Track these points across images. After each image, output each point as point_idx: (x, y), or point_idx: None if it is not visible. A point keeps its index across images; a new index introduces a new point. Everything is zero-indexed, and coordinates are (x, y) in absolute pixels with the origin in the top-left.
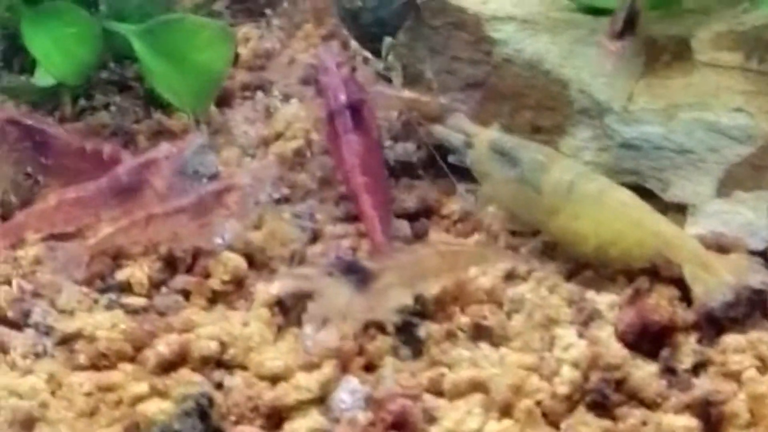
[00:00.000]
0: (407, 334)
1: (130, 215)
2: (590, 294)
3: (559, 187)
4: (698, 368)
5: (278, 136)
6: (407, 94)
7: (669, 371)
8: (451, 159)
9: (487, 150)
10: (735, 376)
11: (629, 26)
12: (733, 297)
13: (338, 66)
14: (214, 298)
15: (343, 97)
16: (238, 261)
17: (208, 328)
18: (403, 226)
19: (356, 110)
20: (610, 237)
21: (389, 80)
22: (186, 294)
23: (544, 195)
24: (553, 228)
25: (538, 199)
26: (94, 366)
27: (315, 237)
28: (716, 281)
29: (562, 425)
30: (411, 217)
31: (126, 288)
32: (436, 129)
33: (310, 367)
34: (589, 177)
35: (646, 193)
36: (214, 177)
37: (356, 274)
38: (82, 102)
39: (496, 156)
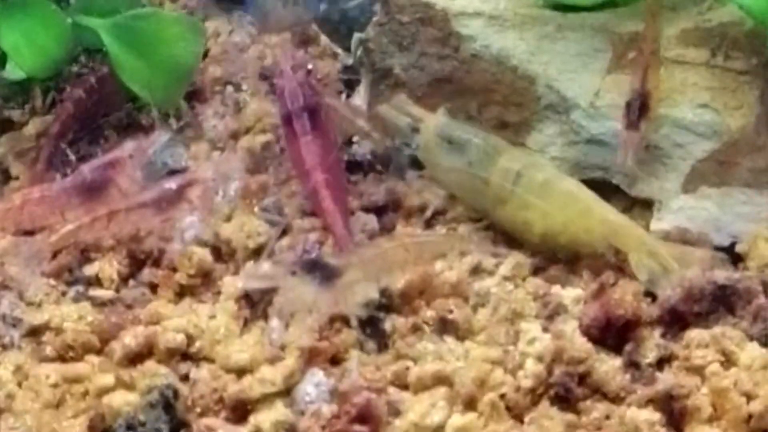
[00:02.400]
0: (372, 328)
1: (93, 211)
2: (555, 288)
3: (506, 177)
4: (662, 362)
5: (247, 130)
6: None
7: (633, 365)
8: (396, 142)
9: (434, 136)
10: (698, 371)
11: (644, 112)
12: (698, 292)
13: (295, 69)
14: (182, 292)
15: (300, 101)
16: (203, 254)
17: (175, 321)
18: (371, 220)
19: (313, 113)
20: (557, 225)
21: (358, 75)
22: (153, 287)
23: (492, 184)
24: (500, 217)
25: (485, 189)
26: (61, 358)
27: (283, 231)
28: (661, 269)
29: (526, 418)
30: (379, 210)
31: (94, 281)
32: (383, 109)
33: (276, 360)
34: (536, 167)
35: (612, 189)
36: (182, 171)
37: (320, 271)
38: (54, 95)
39: (443, 143)
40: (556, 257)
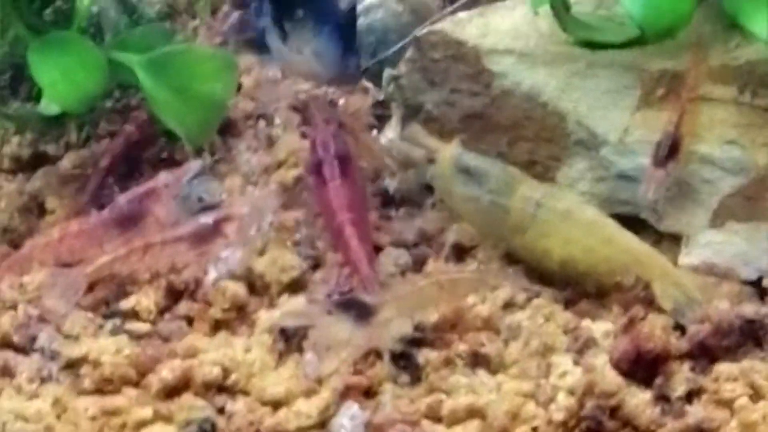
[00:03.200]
0: (406, 361)
1: (129, 243)
2: (586, 322)
3: (527, 205)
4: (691, 396)
5: (280, 164)
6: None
7: (663, 399)
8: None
9: (450, 167)
10: (727, 404)
11: (673, 153)
12: (726, 326)
13: (327, 122)
14: (217, 325)
15: (331, 150)
16: (236, 288)
17: (211, 354)
18: (403, 255)
19: (343, 160)
20: (577, 253)
21: (389, 110)
22: (189, 320)
23: (512, 212)
24: (519, 245)
25: (504, 217)
26: (99, 390)
27: (316, 264)
28: (686, 299)
29: None
30: (410, 246)
31: (131, 314)
32: (395, 142)
33: (311, 393)
34: (556, 196)
35: (640, 224)
36: (217, 205)
37: (356, 310)
38: (88, 129)
39: (460, 174)
40: (586, 291)
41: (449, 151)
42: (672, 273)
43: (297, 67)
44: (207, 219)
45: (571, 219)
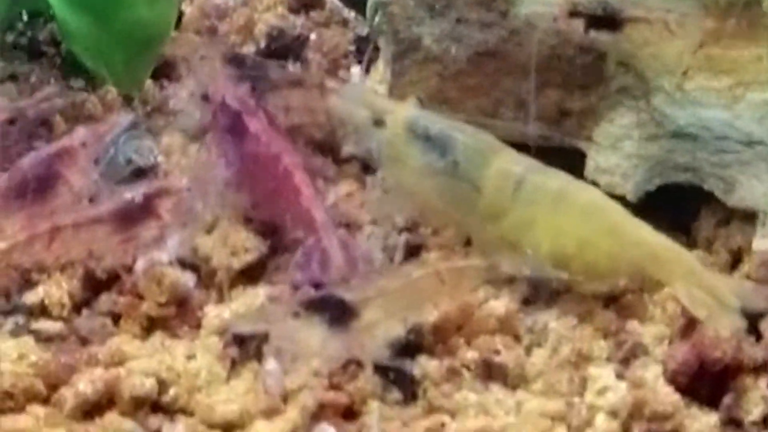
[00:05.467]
0: (398, 373)
1: (32, 226)
2: (632, 324)
3: (505, 184)
4: None
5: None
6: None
7: (733, 423)
8: (345, 149)
9: (403, 131)
10: None
11: None
12: None
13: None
14: (151, 324)
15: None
16: (176, 277)
17: (143, 362)
18: (393, 237)
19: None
20: (572, 247)
21: (376, 48)
22: (115, 318)
23: (485, 193)
24: (494, 235)
25: (474, 198)
26: None
27: (275, 247)
28: (720, 305)
29: None
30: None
31: (37, 310)
32: (333, 102)
33: (273, 412)
34: (544, 171)
35: (704, 196)
36: (152, 168)
37: (331, 311)
38: None
39: (416, 140)
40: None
41: (404, 112)
42: (699, 273)
43: None
44: (135, 194)
45: (564, 201)
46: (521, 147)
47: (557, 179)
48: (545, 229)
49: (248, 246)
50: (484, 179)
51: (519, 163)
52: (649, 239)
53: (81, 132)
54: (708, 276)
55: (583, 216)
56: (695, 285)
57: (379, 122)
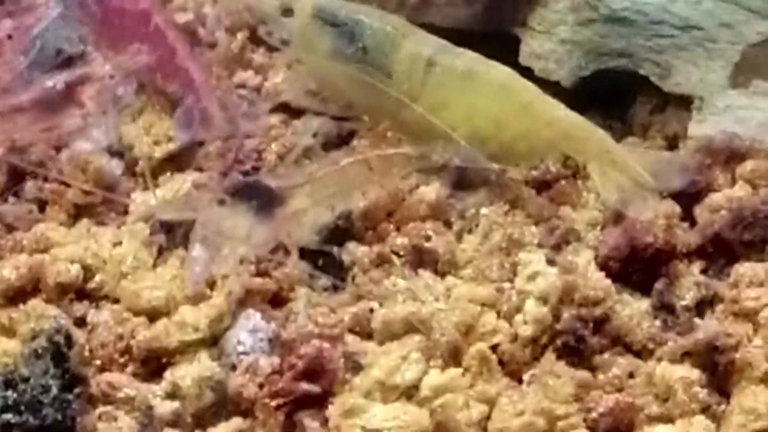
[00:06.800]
0: (326, 259)
1: None
2: (565, 210)
3: (415, 67)
4: (702, 306)
5: (163, 2)
6: None
7: (665, 309)
8: (261, 32)
9: (311, 19)
10: (749, 316)
11: None
12: (749, 215)
13: None
14: (77, 212)
15: None
16: (102, 164)
17: (68, 248)
18: (326, 125)
19: None
20: (487, 128)
21: None
22: (41, 204)
23: (395, 78)
24: (407, 120)
25: (385, 83)
26: None
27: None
28: (633, 185)
29: (525, 376)
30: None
31: None
32: None
33: (200, 299)
34: (454, 53)
35: (639, 81)
36: (81, 57)
37: (257, 198)
38: None
39: (323, 26)
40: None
41: None
42: (614, 151)
43: None
44: (56, 82)
45: (475, 81)
46: (456, 32)
47: (466, 59)
48: (459, 110)
49: (171, 135)
50: (395, 64)
51: (428, 45)
52: (563, 118)
53: (7, 24)
54: (622, 154)
55: (494, 96)
56: (609, 164)
57: (287, 11)
